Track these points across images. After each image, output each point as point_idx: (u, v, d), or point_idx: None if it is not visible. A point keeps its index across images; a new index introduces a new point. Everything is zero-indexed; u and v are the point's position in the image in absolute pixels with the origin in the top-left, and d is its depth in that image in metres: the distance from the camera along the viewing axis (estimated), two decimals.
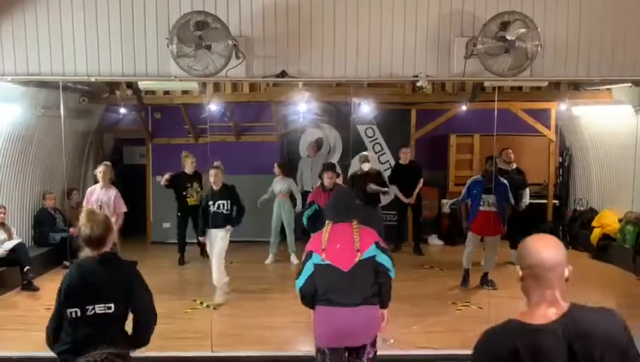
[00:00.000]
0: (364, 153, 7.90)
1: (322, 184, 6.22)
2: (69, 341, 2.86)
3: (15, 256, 6.68)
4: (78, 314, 2.84)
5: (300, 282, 3.44)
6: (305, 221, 6.16)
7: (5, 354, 4.81)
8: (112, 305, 2.85)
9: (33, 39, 4.72)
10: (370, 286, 3.37)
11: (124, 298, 2.88)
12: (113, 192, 6.37)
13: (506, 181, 6.76)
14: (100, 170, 6.41)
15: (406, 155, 8.28)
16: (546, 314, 1.85)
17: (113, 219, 5.64)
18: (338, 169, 6.68)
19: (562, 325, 1.82)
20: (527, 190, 7.66)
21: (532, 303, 1.91)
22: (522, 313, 1.92)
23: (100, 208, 6.06)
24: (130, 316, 2.95)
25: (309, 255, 3.44)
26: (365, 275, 3.37)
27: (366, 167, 7.48)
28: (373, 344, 3.47)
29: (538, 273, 1.87)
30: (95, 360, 1.70)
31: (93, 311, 2.84)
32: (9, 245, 6.70)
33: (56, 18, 4.71)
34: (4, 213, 6.86)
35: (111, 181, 6.48)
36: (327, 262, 3.37)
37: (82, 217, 2.91)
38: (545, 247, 1.89)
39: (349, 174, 7.71)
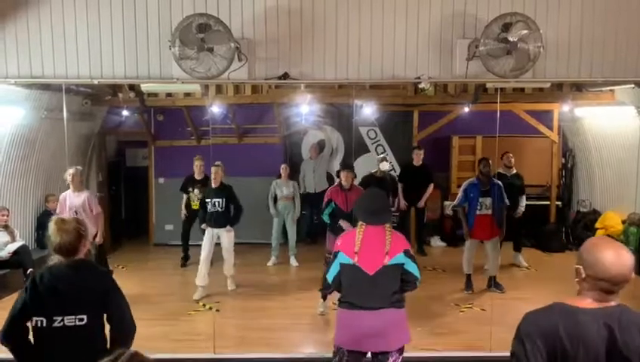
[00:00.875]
0: (381, 155, 7.88)
1: (340, 183, 6.12)
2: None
3: (18, 258, 6.69)
4: (44, 324, 2.61)
5: (330, 278, 3.47)
6: (326, 218, 6.02)
7: (8, 357, 4.82)
8: (85, 317, 2.63)
9: (36, 42, 4.73)
10: (392, 293, 3.35)
11: (99, 308, 2.67)
12: (85, 195, 6.17)
13: (499, 182, 6.70)
14: (69, 173, 6.08)
15: (419, 157, 8.24)
16: (592, 303, 1.90)
17: (92, 226, 5.59)
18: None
19: (606, 312, 1.86)
20: (524, 197, 7.55)
21: (582, 294, 1.94)
22: (569, 298, 1.95)
23: (76, 213, 5.90)
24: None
25: (336, 254, 3.43)
26: (389, 281, 3.35)
27: (384, 166, 7.44)
28: (400, 351, 3.40)
29: (604, 286, 1.90)
30: None
31: (62, 323, 2.60)
32: (12, 247, 6.71)
33: (59, 21, 4.72)
34: (8, 216, 6.88)
35: (82, 184, 6.39)
36: (354, 262, 3.35)
37: (51, 226, 2.69)
38: (618, 266, 1.88)
39: (363, 175, 7.61)
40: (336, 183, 6.29)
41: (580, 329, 1.85)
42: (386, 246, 3.33)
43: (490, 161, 6.61)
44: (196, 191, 7.79)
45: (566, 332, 1.86)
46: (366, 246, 3.36)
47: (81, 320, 2.62)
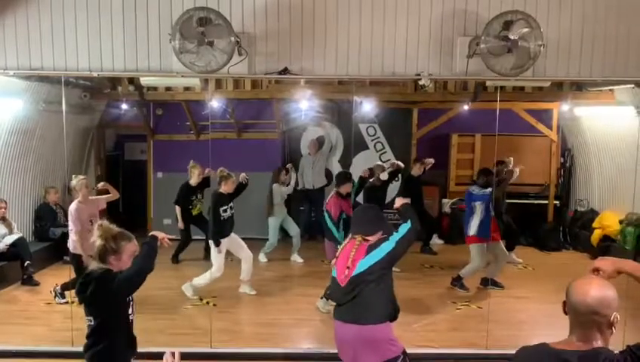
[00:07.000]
0: (380, 163, 7.85)
1: (339, 192, 6.23)
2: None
3: (15, 250, 6.69)
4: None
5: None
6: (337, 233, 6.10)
7: (5, 348, 4.82)
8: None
9: (36, 34, 4.72)
10: (371, 305, 3.24)
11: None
12: (96, 200, 5.87)
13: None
14: (80, 183, 5.68)
15: (419, 169, 8.13)
16: (571, 345, 1.91)
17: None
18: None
19: (576, 356, 1.85)
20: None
21: (569, 334, 1.96)
22: (559, 341, 1.98)
23: (91, 223, 5.15)
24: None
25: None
26: (363, 292, 3.25)
27: (385, 176, 7.44)
28: None
29: (573, 314, 1.94)
30: None
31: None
32: (10, 240, 6.71)
33: (59, 12, 4.70)
34: (5, 208, 6.87)
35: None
36: (334, 272, 3.43)
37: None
38: (583, 293, 1.91)
39: (366, 186, 7.36)
40: (334, 194, 6.27)
41: None
42: (349, 261, 3.30)
43: (492, 172, 6.62)
44: (199, 196, 7.69)
45: None
46: (342, 257, 3.40)
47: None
